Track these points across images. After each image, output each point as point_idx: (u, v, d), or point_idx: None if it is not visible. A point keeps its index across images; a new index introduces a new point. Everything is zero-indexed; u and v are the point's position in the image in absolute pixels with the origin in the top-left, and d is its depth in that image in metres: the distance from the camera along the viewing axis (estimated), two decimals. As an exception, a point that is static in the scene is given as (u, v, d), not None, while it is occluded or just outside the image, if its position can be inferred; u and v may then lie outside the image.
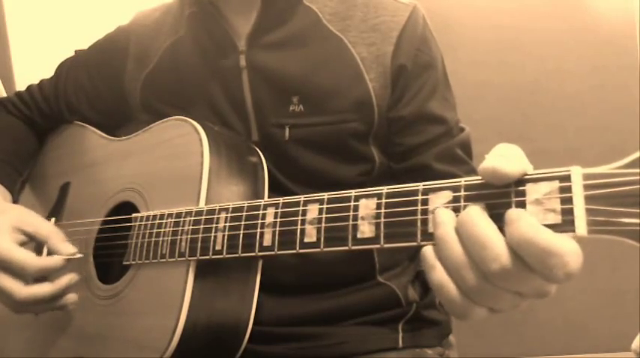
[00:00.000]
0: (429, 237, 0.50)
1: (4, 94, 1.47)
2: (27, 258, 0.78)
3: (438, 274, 0.48)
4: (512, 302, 0.48)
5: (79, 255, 0.81)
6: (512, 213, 0.45)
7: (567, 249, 0.42)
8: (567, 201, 0.43)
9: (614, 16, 1.83)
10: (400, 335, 0.89)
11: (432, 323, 0.93)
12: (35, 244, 0.82)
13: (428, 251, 0.49)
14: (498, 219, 0.46)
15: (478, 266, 0.46)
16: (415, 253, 0.96)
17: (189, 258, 0.71)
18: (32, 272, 0.77)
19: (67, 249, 0.81)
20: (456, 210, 0.49)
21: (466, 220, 0.47)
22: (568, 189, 0.44)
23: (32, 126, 1.05)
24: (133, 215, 0.81)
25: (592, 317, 1.78)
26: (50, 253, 0.81)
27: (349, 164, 0.87)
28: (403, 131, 0.87)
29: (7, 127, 1.03)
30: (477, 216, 0.46)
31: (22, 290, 0.77)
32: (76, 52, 1.06)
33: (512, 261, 0.44)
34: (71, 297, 0.82)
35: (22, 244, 0.80)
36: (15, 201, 0.98)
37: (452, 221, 0.48)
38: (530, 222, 0.44)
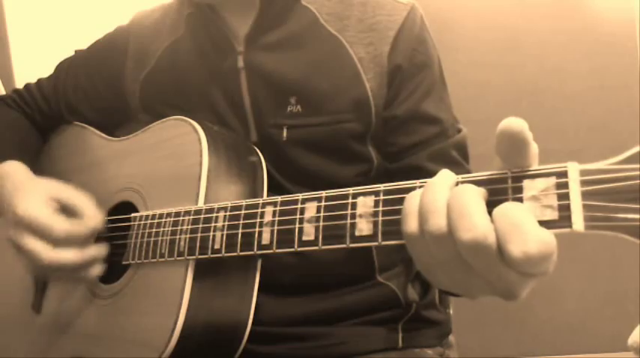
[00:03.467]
0: None
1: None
2: (56, 220, 0.78)
3: (412, 225, 0.48)
4: (481, 288, 0.47)
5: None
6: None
7: (535, 232, 0.42)
8: (564, 196, 0.43)
9: (614, 16, 1.83)
10: (400, 335, 0.89)
11: (431, 323, 0.92)
12: (66, 215, 0.82)
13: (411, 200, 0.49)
14: None
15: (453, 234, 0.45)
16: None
17: (188, 258, 0.71)
18: (59, 234, 0.77)
19: (96, 221, 0.81)
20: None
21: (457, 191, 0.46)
22: (565, 185, 0.43)
23: (33, 124, 1.05)
24: (132, 214, 0.81)
25: (592, 317, 1.78)
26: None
27: (347, 164, 0.87)
28: (397, 130, 0.86)
29: (12, 121, 1.02)
30: (468, 190, 0.46)
31: (48, 252, 0.77)
32: (75, 52, 1.06)
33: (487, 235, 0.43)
34: (95, 270, 0.81)
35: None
36: None
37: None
38: (518, 204, 0.44)
